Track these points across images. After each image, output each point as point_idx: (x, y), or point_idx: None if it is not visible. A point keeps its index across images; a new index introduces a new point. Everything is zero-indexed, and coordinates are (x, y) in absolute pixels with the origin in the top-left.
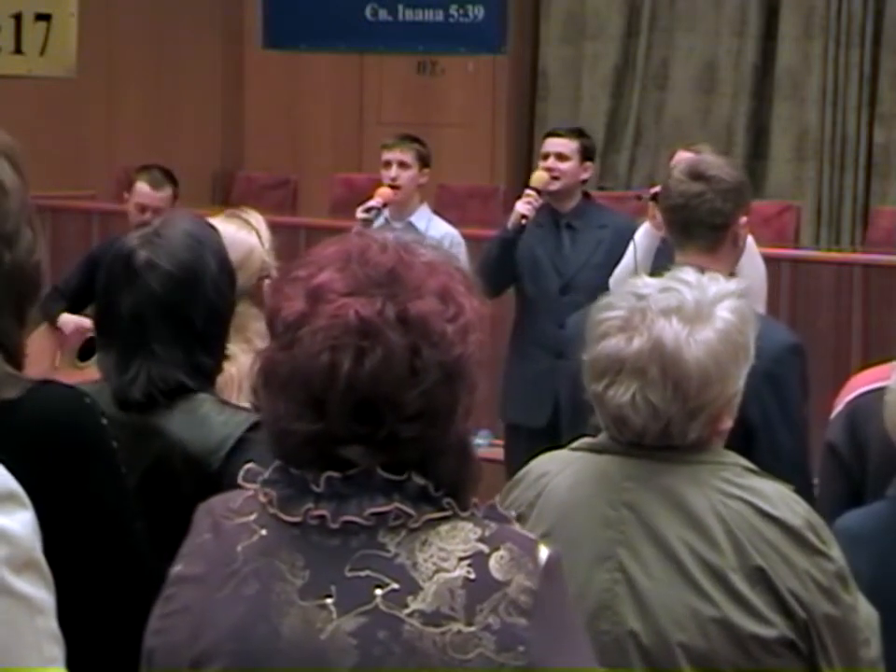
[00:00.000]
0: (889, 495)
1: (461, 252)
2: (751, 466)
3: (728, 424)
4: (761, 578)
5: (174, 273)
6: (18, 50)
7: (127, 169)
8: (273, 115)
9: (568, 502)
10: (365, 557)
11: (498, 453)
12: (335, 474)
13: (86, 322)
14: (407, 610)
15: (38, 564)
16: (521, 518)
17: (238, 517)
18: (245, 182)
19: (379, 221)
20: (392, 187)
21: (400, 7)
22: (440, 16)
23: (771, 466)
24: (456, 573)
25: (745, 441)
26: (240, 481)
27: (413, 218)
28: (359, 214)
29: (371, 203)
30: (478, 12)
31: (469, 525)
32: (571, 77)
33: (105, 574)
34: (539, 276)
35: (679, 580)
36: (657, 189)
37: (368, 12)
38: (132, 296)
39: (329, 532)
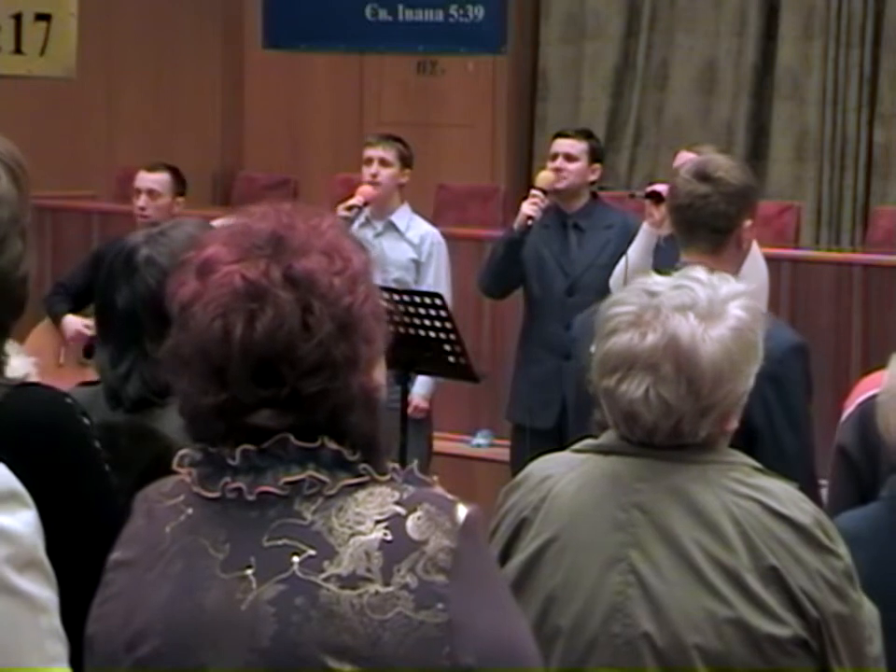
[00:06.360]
0: (882, 496)
1: (441, 252)
2: (759, 465)
3: (734, 424)
4: (774, 577)
5: (170, 269)
6: (18, 50)
7: (127, 169)
8: (273, 115)
9: (576, 505)
10: (282, 526)
11: (498, 453)
12: (250, 447)
13: (88, 324)
14: (323, 575)
15: (41, 563)
16: (525, 522)
17: (168, 500)
18: (245, 182)
19: (359, 220)
20: (371, 183)
21: (400, 7)
22: (440, 16)
23: (776, 467)
24: (373, 536)
25: (749, 442)
26: (174, 466)
27: (393, 217)
28: (340, 212)
29: (353, 201)
30: (478, 12)
31: (388, 490)
32: (571, 77)
33: (91, 573)
34: (546, 277)
35: (693, 581)
36: (652, 187)
37: (368, 12)
38: (128, 291)
39: (247, 504)
